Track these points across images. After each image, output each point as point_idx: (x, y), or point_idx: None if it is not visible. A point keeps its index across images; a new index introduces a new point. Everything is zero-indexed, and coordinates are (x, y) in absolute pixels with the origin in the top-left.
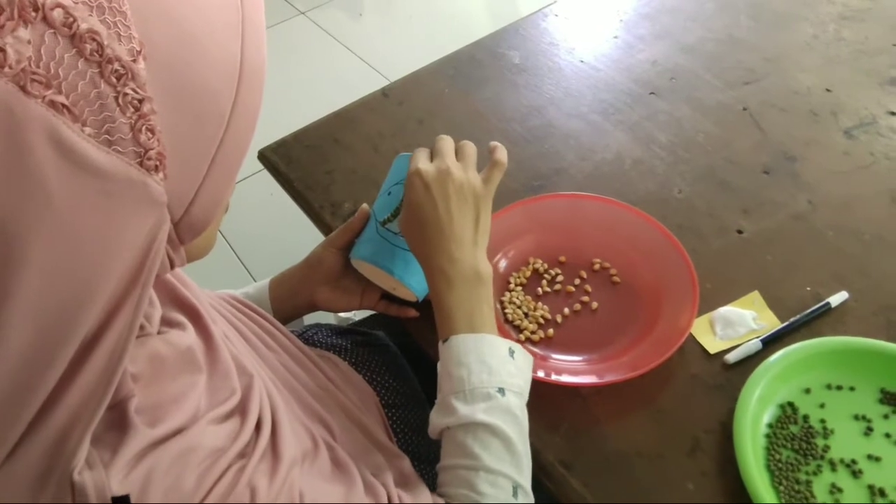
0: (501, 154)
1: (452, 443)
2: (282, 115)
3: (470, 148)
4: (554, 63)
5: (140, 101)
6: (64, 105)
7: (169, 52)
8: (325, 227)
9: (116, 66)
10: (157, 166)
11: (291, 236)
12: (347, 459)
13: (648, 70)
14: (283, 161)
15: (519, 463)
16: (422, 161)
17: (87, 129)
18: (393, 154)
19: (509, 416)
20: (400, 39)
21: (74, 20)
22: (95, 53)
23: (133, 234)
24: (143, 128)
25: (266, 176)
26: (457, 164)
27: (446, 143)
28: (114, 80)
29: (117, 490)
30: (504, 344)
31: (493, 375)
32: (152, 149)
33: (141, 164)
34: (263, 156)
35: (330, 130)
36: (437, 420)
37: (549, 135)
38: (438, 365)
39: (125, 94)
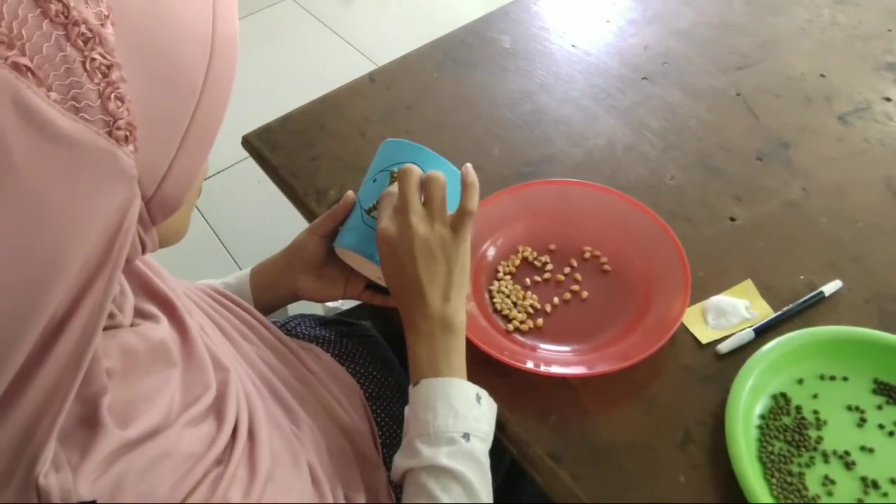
0: (471, 195)
1: (414, 485)
2: (270, 102)
3: (437, 187)
4: (545, 47)
5: (108, 68)
6: (28, 67)
7: (139, 18)
8: (309, 215)
9: (83, 28)
10: (126, 137)
11: (279, 225)
12: (321, 475)
13: (640, 54)
14: (267, 147)
15: None
16: (385, 218)
17: (53, 95)
18: (380, 140)
19: (472, 461)
20: (391, 24)
21: None
22: (61, 15)
23: (102, 208)
24: (112, 95)
25: (253, 163)
26: (420, 216)
27: (408, 185)
28: (80, 43)
29: (85, 495)
30: (472, 389)
31: (460, 420)
32: (122, 118)
33: (110, 133)
34: (247, 142)
35: (316, 116)
36: (399, 462)
37: (540, 120)
38: (406, 409)
39: (93, 60)
